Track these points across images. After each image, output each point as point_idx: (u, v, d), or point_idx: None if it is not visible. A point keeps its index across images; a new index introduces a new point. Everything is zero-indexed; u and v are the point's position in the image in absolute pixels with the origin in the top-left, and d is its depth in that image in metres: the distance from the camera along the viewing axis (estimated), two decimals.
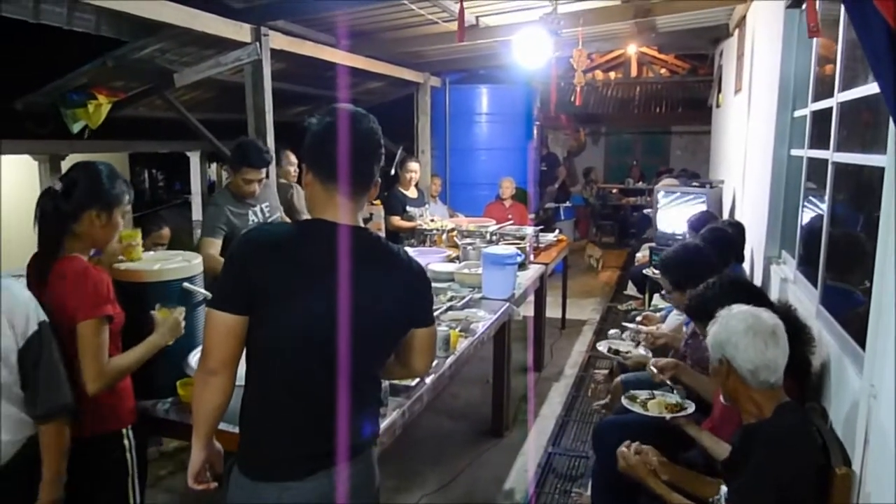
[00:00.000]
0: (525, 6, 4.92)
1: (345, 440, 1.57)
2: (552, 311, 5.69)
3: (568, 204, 9.83)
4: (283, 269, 1.48)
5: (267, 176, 3.55)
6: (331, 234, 1.51)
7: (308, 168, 1.56)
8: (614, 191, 11.63)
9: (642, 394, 2.56)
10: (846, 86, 2.31)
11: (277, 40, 4.33)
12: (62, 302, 1.86)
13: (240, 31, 3.99)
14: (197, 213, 7.54)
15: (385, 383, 2.18)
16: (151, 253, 2.62)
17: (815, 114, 2.89)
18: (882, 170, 1.68)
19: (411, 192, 5.68)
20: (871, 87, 1.90)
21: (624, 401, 2.54)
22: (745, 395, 1.75)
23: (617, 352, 3.26)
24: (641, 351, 3.16)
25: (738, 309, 1.81)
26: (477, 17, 5.21)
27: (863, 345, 1.79)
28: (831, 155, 2.41)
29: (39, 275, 1.93)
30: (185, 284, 2.37)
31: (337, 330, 1.48)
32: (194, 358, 2.25)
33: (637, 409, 2.47)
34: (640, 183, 11.30)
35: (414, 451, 3.63)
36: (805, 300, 2.61)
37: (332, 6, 4.25)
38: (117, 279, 2.26)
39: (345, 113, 1.54)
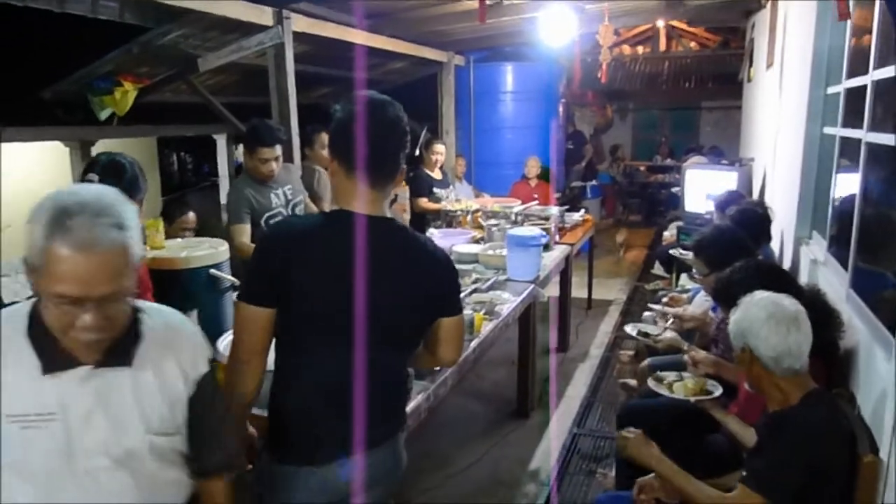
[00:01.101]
0: None
1: (371, 428, 1.60)
2: (578, 292, 5.66)
3: (594, 182, 9.72)
4: (307, 262, 1.49)
5: (285, 156, 3.56)
6: (355, 225, 1.51)
7: (332, 156, 1.56)
8: (642, 168, 11.45)
9: (670, 375, 2.53)
10: (881, 63, 2.23)
11: (299, 23, 4.32)
12: None
13: (262, 15, 3.99)
14: (224, 196, 7.63)
15: (410, 370, 2.20)
16: (179, 240, 2.67)
17: (850, 91, 2.80)
18: None
19: (436, 174, 5.64)
20: None
21: (650, 382, 2.52)
22: (769, 383, 1.73)
23: (646, 335, 3.23)
24: (672, 334, 3.13)
25: (759, 296, 1.78)
26: None
27: (893, 330, 1.76)
28: (864, 134, 2.34)
29: None
30: (212, 271, 2.41)
31: (362, 320, 1.49)
32: (223, 344, 2.29)
33: (663, 391, 2.45)
34: (669, 160, 11.10)
35: (439, 432, 3.66)
36: (835, 283, 2.56)
37: None
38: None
39: (369, 100, 1.52)
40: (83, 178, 1.97)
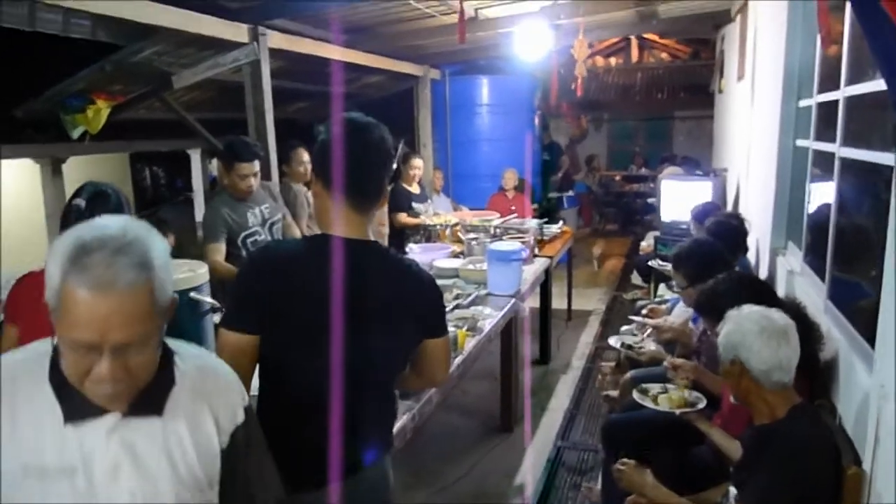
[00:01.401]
0: None
1: (358, 451, 1.59)
2: (557, 303, 5.68)
3: (570, 193, 9.80)
4: (290, 288, 1.47)
5: (262, 174, 3.54)
6: (338, 250, 1.49)
7: (316, 179, 1.55)
8: (617, 178, 11.59)
9: (654, 387, 2.55)
10: (853, 79, 2.28)
11: (275, 39, 4.31)
12: None
13: (237, 32, 3.96)
14: (200, 211, 7.56)
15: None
16: None
17: (821, 105, 2.86)
18: (891, 168, 1.66)
19: (414, 188, 5.63)
20: (880, 83, 1.88)
21: (635, 394, 2.54)
22: (757, 396, 1.75)
23: (630, 347, 3.25)
24: (654, 346, 3.15)
25: (750, 309, 1.80)
26: (476, 10, 5.16)
27: (872, 341, 1.79)
28: (838, 149, 2.39)
29: None
30: (193, 294, 2.36)
31: (347, 346, 1.47)
32: None
33: (648, 403, 2.46)
34: (643, 169, 11.25)
35: (425, 448, 3.64)
36: (812, 293, 2.60)
37: (329, 4, 4.21)
38: None
39: (354, 122, 1.51)
40: (69, 204, 1.92)
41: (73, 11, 3.17)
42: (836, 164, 2.40)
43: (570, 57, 5.92)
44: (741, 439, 1.95)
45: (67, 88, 4.16)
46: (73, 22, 3.38)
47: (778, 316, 1.76)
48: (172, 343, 1.17)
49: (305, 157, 4.37)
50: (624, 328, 3.74)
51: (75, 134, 4.38)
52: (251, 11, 4.03)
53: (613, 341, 3.33)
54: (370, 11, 4.77)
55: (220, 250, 3.26)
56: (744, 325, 1.75)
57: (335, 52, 5.06)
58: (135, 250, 0.98)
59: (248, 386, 1.53)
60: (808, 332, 2.04)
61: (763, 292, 2.12)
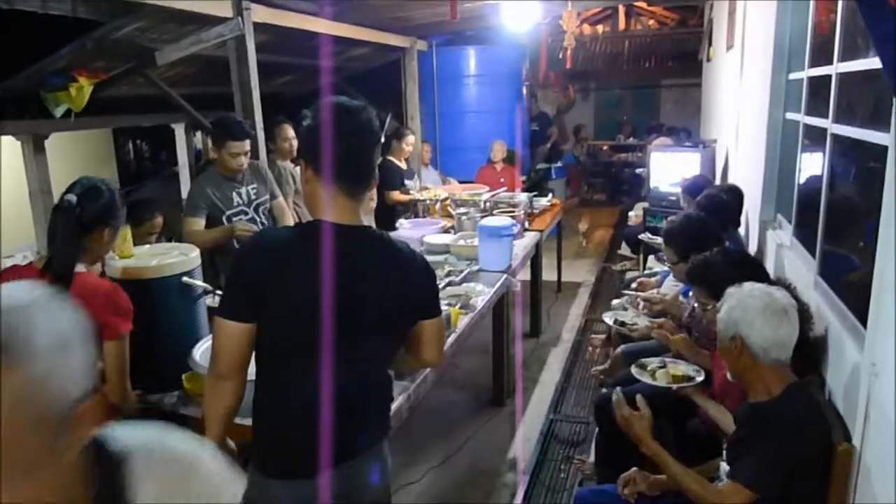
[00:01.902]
0: None
1: (356, 436, 1.61)
2: (547, 275, 5.71)
3: (559, 164, 9.78)
4: (285, 275, 1.48)
5: (253, 152, 3.52)
6: (331, 235, 1.50)
7: (306, 165, 1.55)
8: (605, 148, 11.57)
9: (653, 362, 2.57)
10: (846, 55, 2.27)
11: (260, 13, 4.21)
12: None
13: (221, 7, 3.88)
14: (185, 185, 7.50)
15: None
16: (147, 247, 2.59)
17: (812, 79, 2.85)
18: (884, 148, 1.67)
19: (402, 164, 5.59)
20: (874, 62, 1.87)
21: (633, 370, 2.56)
22: (754, 373, 1.78)
23: (623, 323, 3.27)
24: (647, 322, 3.18)
25: (752, 287, 1.83)
26: None
27: (862, 319, 1.82)
28: (830, 126, 2.39)
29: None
30: (185, 279, 2.35)
31: (342, 330, 1.49)
32: (198, 352, 2.25)
33: (646, 378, 2.48)
34: (631, 139, 11.24)
35: (418, 424, 3.66)
36: (802, 269, 2.63)
37: None
38: (115, 277, 2.26)
39: (341, 106, 1.51)
40: (61, 199, 1.89)
41: None
42: (828, 139, 2.40)
43: (558, 27, 5.85)
44: (735, 416, 1.99)
45: (48, 66, 4.05)
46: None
47: (780, 294, 1.79)
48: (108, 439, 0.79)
49: (290, 132, 4.35)
50: (615, 301, 3.78)
51: (58, 112, 4.29)
52: None
53: (608, 318, 3.35)
54: None
55: (197, 224, 3.28)
56: (746, 301, 1.78)
57: (321, 26, 4.97)
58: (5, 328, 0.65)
59: (245, 375, 1.55)
60: (798, 312, 2.07)
61: (756, 270, 2.14)
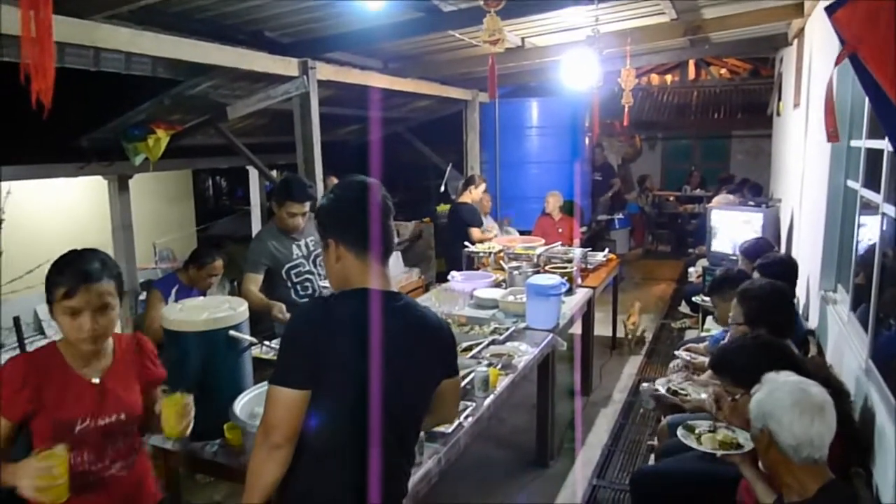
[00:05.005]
0: (571, 25, 4.88)
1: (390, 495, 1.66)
2: (602, 329, 5.62)
3: (621, 215, 9.67)
4: (339, 342, 1.54)
5: (312, 210, 3.65)
6: (375, 303, 1.58)
7: (337, 243, 1.62)
8: (671, 198, 11.35)
9: (702, 425, 2.37)
10: None
11: (324, 71, 4.44)
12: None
13: (287, 66, 4.11)
14: (256, 225, 7.87)
15: (421, 434, 2.23)
16: (199, 300, 2.73)
17: (871, 151, 2.76)
18: None
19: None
20: None
21: (679, 432, 2.39)
22: (785, 470, 1.70)
23: (676, 393, 3.13)
24: (703, 395, 3.00)
25: (787, 379, 1.75)
26: (523, 39, 5.19)
27: None
28: (882, 203, 2.30)
29: None
30: (232, 332, 2.46)
31: (391, 396, 1.57)
32: (239, 404, 2.34)
33: (691, 442, 2.31)
34: (699, 189, 10.98)
35: (456, 480, 3.65)
36: (857, 348, 2.50)
37: (376, 39, 4.31)
38: (166, 328, 2.39)
39: (365, 185, 1.63)
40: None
41: (135, 53, 3.36)
42: (880, 222, 2.31)
43: (618, 83, 5.86)
44: None
45: (129, 119, 4.39)
46: (135, 61, 3.58)
47: (816, 390, 1.70)
48: None
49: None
50: (672, 364, 3.68)
51: (137, 161, 4.62)
52: (301, 45, 4.17)
53: (661, 386, 3.16)
54: (416, 42, 4.86)
55: (256, 281, 3.40)
56: (776, 394, 1.70)
57: (382, 81, 5.16)
58: None
59: (296, 440, 1.56)
60: (837, 395, 1.96)
61: (783, 358, 2.03)
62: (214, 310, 2.53)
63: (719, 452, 2.21)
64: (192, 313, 2.48)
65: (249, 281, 3.40)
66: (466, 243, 5.48)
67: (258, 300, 3.30)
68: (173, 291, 3.86)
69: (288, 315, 3.27)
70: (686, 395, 3.08)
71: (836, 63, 1.60)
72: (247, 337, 2.54)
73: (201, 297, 2.84)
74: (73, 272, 1.73)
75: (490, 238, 5.77)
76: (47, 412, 1.75)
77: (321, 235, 1.69)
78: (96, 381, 1.85)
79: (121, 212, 5.88)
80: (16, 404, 1.73)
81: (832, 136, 1.94)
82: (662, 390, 3.11)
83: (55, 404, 1.76)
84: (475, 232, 5.76)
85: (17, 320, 5.43)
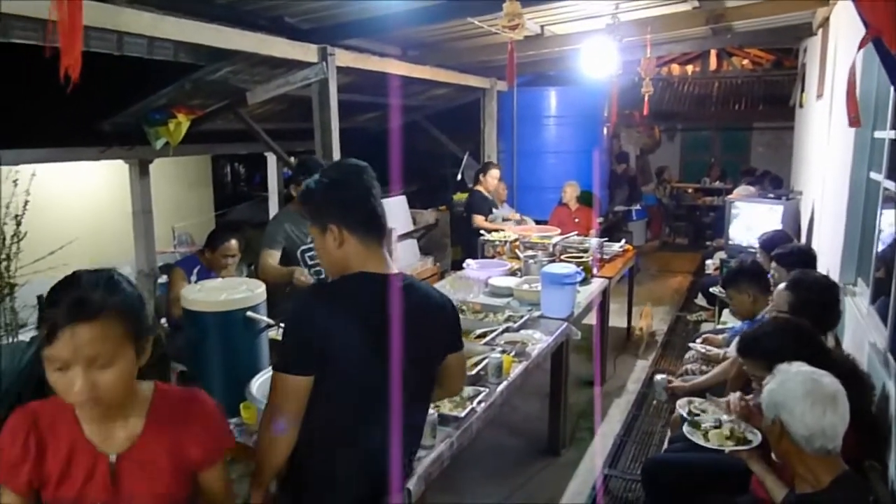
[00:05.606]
0: (591, 13, 4.84)
1: (397, 481, 1.69)
2: (617, 320, 5.61)
3: (638, 206, 9.60)
4: (344, 326, 1.55)
5: None
6: (382, 285, 1.61)
7: (340, 227, 1.62)
8: (690, 190, 11.24)
9: (708, 420, 2.38)
10: None
11: (343, 57, 4.44)
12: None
13: (307, 52, 4.12)
14: (273, 211, 7.94)
15: (433, 416, 2.25)
16: (217, 281, 2.76)
17: (894, 142, 2.72)
18: None
19: (488, 195, 6.09)
20: None
21: (685, 428, 2.40)
22: (798, 460, 1.70)
23: (696, 415, 2.95)
24: (724, 417, 2.88)
25: (798, 370, 1.74)
26: (542, 26, 5.16)
27: None
28: None
29: None
30: (249, 313, 2.49)
31: (399, 375, 1.58)
32: (256, 384, 2.37)
33: (698, 438, 2.32)
34: (718, 182, 10.87)
35: (467, 466, 3.67)
36: (876, 341, 2.48)
37: (395, 25, 4.31)
38: (185, 308, 2.43)
39: (361, 168, 1.66)
40: None
41: (158, 38, 3.39)
42: None
43: (638, 72, 5.82)
44: None
45: (150, 104, 4.44)
46: (157, 45, 3.60)
47: (828, 381, 1.69)
48: None
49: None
50: (686, 356, 3.67)
51: (158, 145, 4.67)
52: (321, 32, 4.18)
53: (683, 409, 2.96)
54: (435, 29, 4.84)
55: (274, 256, 3.45)
56: (788, 385, 1.70)
57: (401, 68, 5.16)
58: None
59: (300, 423, 1.59)
60: (859, 386, 1.96)
61: (813, 345, 2.03)
62: (232, 291, 2.56)
63: (727, 449, 2.21)
64: (210, 294, 2.52)
65: (267, 255, 3.46)
66: (482, 231, 5.51)
67: (277, 271, 3.37)
68: (195, 272, 3.92)
69: (311, 279, 3.33)
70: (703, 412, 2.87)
71: (860, 47, 1.58)
72: (264, 318, 2.57)
73: (219, 279, 2.87)
74: (63, 301, 1.21)
75: (496, 228, 5.76)
76: (49, 487, 1.33)
77: (316, 220, 1.66)
78: (112, 458, 1.33)
79: (141, 196, 5.97)
80: (18, 475, 1.31)
81: (854, 121, 1.91)
82: (684, 413, 2.76)
83: (59, 479, 1.32)
84: (478, 219, 5.89)
85: (40, 299, 5.52)
